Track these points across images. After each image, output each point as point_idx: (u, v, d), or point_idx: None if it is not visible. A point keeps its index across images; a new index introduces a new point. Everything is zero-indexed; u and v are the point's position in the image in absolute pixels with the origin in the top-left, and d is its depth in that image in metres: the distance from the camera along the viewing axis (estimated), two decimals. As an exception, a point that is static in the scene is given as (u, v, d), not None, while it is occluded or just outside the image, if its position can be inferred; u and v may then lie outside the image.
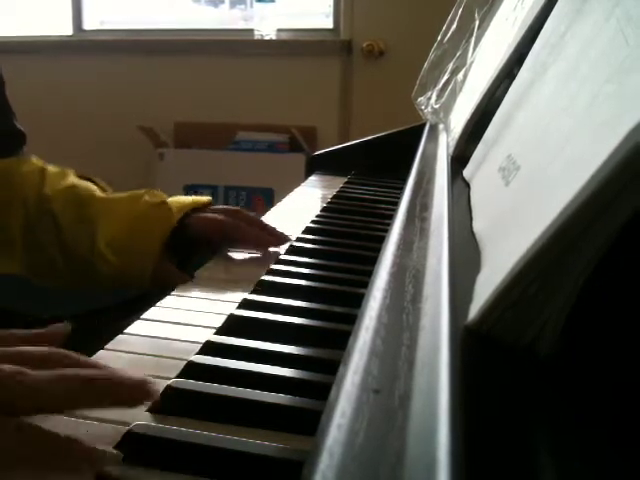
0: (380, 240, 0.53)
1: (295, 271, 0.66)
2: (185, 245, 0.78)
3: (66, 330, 0.46)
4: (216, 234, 0.77)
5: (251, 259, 0.73)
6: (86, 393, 0.39)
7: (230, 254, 0.74)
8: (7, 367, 0.38)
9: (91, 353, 0.47)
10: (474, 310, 0.33)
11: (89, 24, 2.96)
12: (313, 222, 0.85)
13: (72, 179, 0.82)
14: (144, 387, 0.39)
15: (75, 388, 0.38)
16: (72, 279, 0.80)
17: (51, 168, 0.83)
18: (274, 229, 0.78)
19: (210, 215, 0.78)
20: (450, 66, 1.06)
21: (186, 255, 0.79)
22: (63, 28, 2.92)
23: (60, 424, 0.39)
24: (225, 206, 0.81)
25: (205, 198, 0.81)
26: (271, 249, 0.75)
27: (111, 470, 0.34)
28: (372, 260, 0.48)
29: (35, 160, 0.84)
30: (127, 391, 0.39)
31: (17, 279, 0.84)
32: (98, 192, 0.81)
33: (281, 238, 0.77)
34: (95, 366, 0.41)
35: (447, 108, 1.03)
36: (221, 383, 0.42)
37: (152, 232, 0.76)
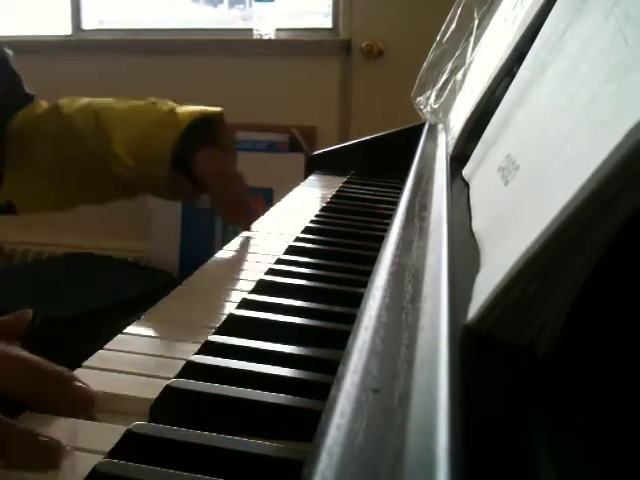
0: (379, 240, 0.53)
1: (294, 271, 0.66)
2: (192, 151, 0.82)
3: (28, 318, 0.47)
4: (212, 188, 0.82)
5: (251, 258, 0.73)
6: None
7: (227, 254, 0.74)
8: None
9: (91, 353, 0.47)
10: (473, 309, 0.33)
11: (88, 24, 2.96)
12: (312, 222, 0.85)
13: (86, 99, 0.93)
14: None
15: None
16: (102, 192, 0.90)
17: (62, 99, 0.93)
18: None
19: (220, 171, 0.82)
20: (449, 66, 1.06)
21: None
22: (62, 28, 2.91)
23: (58, 425, 0.39)
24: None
25: (216, 108, 0.87)
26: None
27: (110, 469, 0.34)
28: (371, 260, 0.48)
29: (44, 102, 0.94)
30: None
31: (14, 279, 0.88)
32: (114, 102, 0.90)
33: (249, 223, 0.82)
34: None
35: (446, 108, 1.03)
36: (220, 383, 0.42)
37: (161, 139, 0.82)
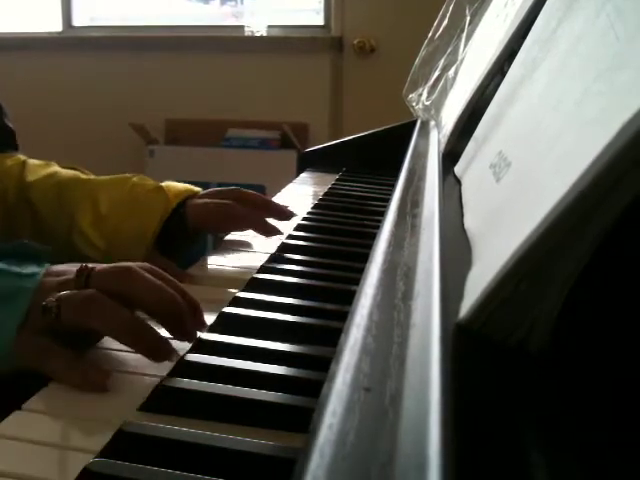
0: (371, 237, 0.53)
1: (286, 268, 0.65)
2: (177, 235, 0.76)
3: None
4: (211, 222, 0.76)
5: (243, 255, 0.72)
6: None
7: (219, 252, 0.74)
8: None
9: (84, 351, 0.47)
10: (465, 307, 0.33)
11: (79, 20, 2.95)
12: (304, 219, 0.85)
13: (54, 168, 0.82)
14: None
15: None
16: None
17: (33, 160, 0.83)
18: (276, 205, 0.79)
19: (202, 202, 0.75)
20: (441, 62, 1.06)
21: (177, 245, 0.77)
22: (52, 24, 2.90)
23: (49, 425, 0.38)
24: (219, 189, 0.79)
25: (197, 188, 0.79)
26: (278, 224, 0.76)
27: (102, 468, 0.34)
28: (363, 257, 0.48)
29: (20, 156, 0.84)
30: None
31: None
32: (82, 176, 0.80)
33: (285, 213, 0.78)
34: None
35: (438, 105, 1.03)
36: (213, 381, 0.42)
37: (147, 217, 0.74)
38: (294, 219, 0.82)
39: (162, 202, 0.74)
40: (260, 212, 0.77)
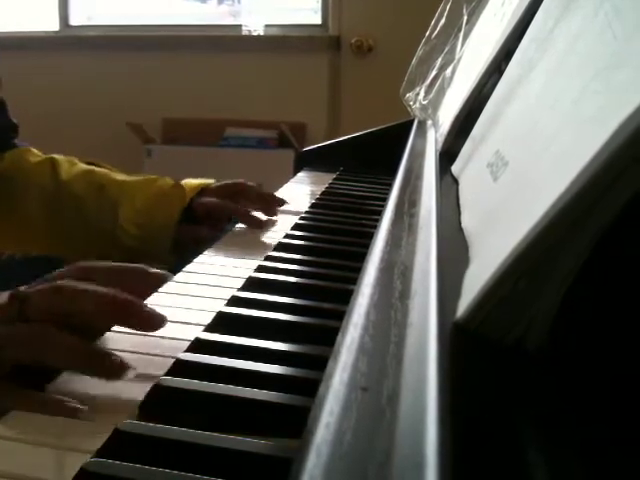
0: (369, 236, 0.53)
1: (284, 268, 0.65)
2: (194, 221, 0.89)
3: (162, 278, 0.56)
4: (215, 216, 0.88)
5: (239, 255, 0.72)
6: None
7: (221, 250, 0.74)
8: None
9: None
10: (462, 306, 0.33)
11: (76, 20, 2.94)
12: (302, 218, 0.85)
13: (83, 165, 0.94)
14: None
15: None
16: (91, 254, 0.88)
17: (57, 156, 0.94)
18: (272, 198, 0.88)
19: (208, 201, 0.88)
20: (438, 61, 1.06)
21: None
22: (49, 24, 2.90)
23: (45, 425, 0.38)
24: (223, 183, 0.92)
25: (210, 180, 0.93)
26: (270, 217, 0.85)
27: (99, 468, 0.34)
28: (361, 256, 0.48)
29: (35, 150, 0.94)
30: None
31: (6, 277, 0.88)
32: (114, 175, 0.93)
33: (276, 202, 0.87)
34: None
35: (435, 104, 1.03)
36: (210, 381, 0.42)
37: (171, 208, 0.87)
38: (292, 219, 0.82)
39: (181, 196, 0.88)
40: (252, 205, 0.87)
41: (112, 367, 0.42)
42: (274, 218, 0.86)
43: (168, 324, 0.53)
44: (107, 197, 0.89)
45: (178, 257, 0.85)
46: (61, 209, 0.90)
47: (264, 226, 0.82)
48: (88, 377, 0.43)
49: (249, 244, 0.76)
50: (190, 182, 0.91)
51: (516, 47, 0.62)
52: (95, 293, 0.45)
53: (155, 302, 0.58)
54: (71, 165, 0.93)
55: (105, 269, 0.50)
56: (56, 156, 0.93)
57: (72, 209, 0.89)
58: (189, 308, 0.56)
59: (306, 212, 0.88)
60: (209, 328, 0.51)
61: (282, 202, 0.88)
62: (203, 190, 0.90)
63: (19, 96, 2.48)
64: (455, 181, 0.62)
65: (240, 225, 0.84)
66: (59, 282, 0.46)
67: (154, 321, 0.46)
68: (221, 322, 0.52)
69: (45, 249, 0.92)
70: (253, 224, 0.82)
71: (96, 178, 0.92)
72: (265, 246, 0.74)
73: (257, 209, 0.86)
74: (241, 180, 0.91)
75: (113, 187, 0.90)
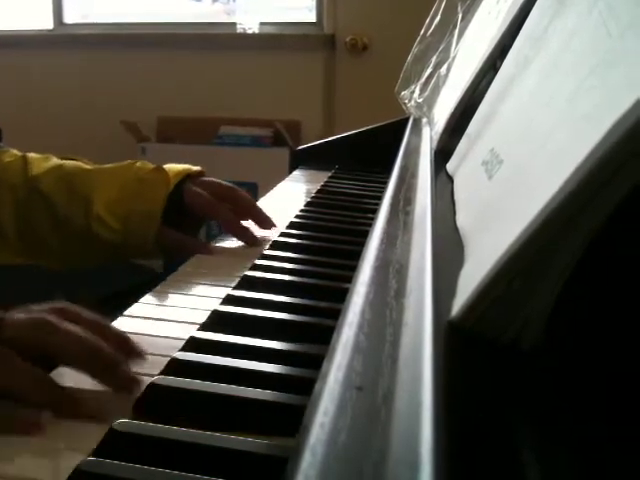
0: (364, 235, 0.53)
1: (279, 266, 0.65)
2: (179, 211, 0.79)
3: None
4: (207, 214, 0.81)
5: (235, 254, 0.72)
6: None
7: (217, 248, 0.74)
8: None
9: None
10: (457, 305, 0.33)
11: (70, 18, 2.93)
12: (297, 217, 0.85)
13: (56, 160, 0.85)
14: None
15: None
16: (69, 257, 0.83)
17: (32, 154, 0.85)
18: (260, 213, 0.79)
19: (204, 194, 0.79)
20: (433, 60, 1.06)
21: (180, 221, 0.80)
22: (44, 22, 2.89)
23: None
24: (218, 181, 0.83)
25: (197, 168, 0.84)
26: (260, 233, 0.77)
27: (94, 467, 0.34)
28: (356, 255, 0.48)
29: (15, 151, 0.86)
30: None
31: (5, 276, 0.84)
32: (86, 166, 0.84)
33: (267, 222, 0.79)
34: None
35: (430, 102, 1.03)
36: (205, 380, 0.42)
37: (153, 194, 0.78)
38: (286, 217, 0.82)
39: (164, 180, 0.80)
40: (244, 217, 0.80)
41: (59, 404, 0.41)
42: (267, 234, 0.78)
43: (163, 323, 0.53)
44: (76, 189, 0.80)
45: (168, 259, 0.81)
46: (30, 210, 0.81)
47: (260, 244, 0.75)
48: (83, 375, 0.43)
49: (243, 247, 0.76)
50: (173, 167, 0.83)
51: (511, 45, 0.62)
52: (80, 340, 0.43)
53: (149, 301, 0.58)
54: (43, 161, 0.84)
55: (90, 320, 0.46)
56: (30, 154, 0.85)
57: (42, 210, 0.80)
58: (184, 307, 0.56)
59: (301, 210, 0.88)
60: (204, 327, 0.51)
61: (272, 225, 0.79)
62: (189, 177, 0.82)
63: (12, 94, 2.48)
64: (450, 179, 0.62)
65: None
66: (47, 315, 0.44)
67: (130, 386, 0.42)
68: (216, 321, 0.52)
69: (19, 257, 0.84)
70: (249, 240, 0.76)
71: (65, 171, 0.82)
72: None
73: (245, 220, 0.79)
74: (235, 187, 0.82)
75: (82, 177, 0.81)
